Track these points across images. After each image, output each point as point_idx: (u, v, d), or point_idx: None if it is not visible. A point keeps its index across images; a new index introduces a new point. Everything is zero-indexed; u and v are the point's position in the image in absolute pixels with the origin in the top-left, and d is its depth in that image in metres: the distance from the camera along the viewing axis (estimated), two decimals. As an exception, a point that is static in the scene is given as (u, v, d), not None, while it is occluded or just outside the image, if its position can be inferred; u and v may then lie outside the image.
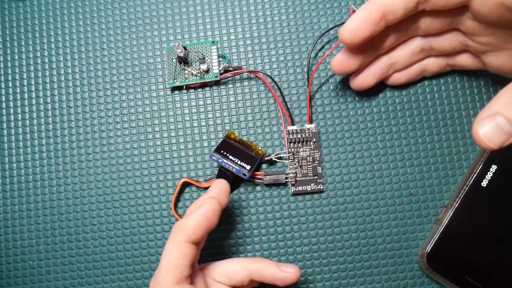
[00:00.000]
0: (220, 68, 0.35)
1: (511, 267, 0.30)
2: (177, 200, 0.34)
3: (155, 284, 0.25)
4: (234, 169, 0.31)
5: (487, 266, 0.30)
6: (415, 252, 0.32)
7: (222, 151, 0.32)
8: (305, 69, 0.35)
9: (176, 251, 0.25)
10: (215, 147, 0.33)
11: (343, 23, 0.35)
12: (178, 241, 0.25)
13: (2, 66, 0.37)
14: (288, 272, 0.28)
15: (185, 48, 0.34)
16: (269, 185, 0.34)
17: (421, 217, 0.33)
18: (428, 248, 0.31)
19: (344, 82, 0.35)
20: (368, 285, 0.32)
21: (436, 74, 0.34)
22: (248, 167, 0.31)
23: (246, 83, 0.35)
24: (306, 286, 0.32)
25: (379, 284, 0.32)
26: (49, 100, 0.36)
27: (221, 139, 0.33)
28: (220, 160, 0.31)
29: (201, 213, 0.26)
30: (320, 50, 0.35)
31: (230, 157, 0.32)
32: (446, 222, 0.31)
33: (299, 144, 0.34)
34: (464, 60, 0.32)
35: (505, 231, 0.30)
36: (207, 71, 0.35)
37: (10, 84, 0.36)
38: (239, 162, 0.31)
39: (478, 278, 0.30)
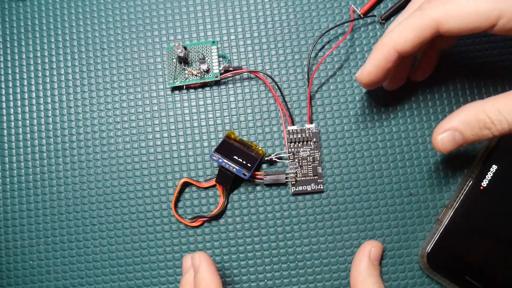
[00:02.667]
0: (220, 68, 0.35)
1: (511, 267, 0.30)
2: (177, 200, 0.34)
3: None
4: (234, 169, 0.31)
5: (487, 266, 0.30)
6: (415, 252, 0.32)
7: (222, 151, 0.32)
8: (305, 69, 0.35)
9: None
10: (215, 147, 0.33)
11: (343, 23, 0.35)
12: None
13: (2, 66, 0.37)
14: None
15: (185, 48, 0.34)
16: (269, 185, 0.34)
17: (421, 217, 0.33)
18: (428, 248, 0.31)
19: (344, 82, 0.35)
20: (368, 285, 0.32)
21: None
22: (248, 167, 0.31)
23: (246, 83, 0.35)
24: (306, 286, 0.32)
25: (379, 284, 0.32)
26: (49, 100, 0.36)
27: (221, 139, 0.33)
28: (220, 160, 0.31)
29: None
30: (320, 50, 0.35)
31: (230, 157, 0.32)
32: (446, 222, 0.31)
33: (299, 144, 0.34)
34: None
35: (505, 231, 0.30)
36: (207, 71, 0.35)
37: (10, 84, 0.36)
38: (239, 162, 0.31)
39: (478, 278, 0.30)
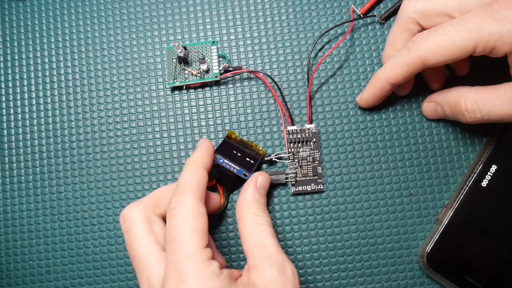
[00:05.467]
0: (220, 68, 0.35)
1: (511, 267, 0.30)
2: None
3: (177, 197, 0.26)
4: (235, 170, 0.31)
5: (487, 266, 0.30)
6: (415, 252, 0.32)
7: (222, 151, 0.32)
8: (305, 69, 0.35)
9: (197, 173, 0.28)
10: (216, 147, 0.33)
11: (343, 23, 0.35)
12: (198, 166, 0.28)
13: (2, 66, 0.37)
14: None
15: (185, 48, 0.34)
16: (270, 185, 0.34)
17: (421, 217, 0.33)
18: (428, 248, 0.31)
19: (344, 82, 0.35)
20: (368, 285, 0.32)
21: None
22: (249, 167, 0.31)
23: (246, 83, 0.35)
24: (306, 286, 0.32)
25: (379, 284, 0.32)
26: (49, 100, 0.36)
27: (222, 139, 0.33)
28: (221, 161, 0.31)
29: (205, 144, 0.30)
30: (320, 50, 0.35)
31: (231, 157, 0.32)
32: (446, 222, 0.31)
33: (299, 144, 0.34)
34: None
35: (505, 231, 0.30)
36: (207, 71, 0.35)
37: (10, 84, 0.36)
38: (240, 163, 0.31)
39: (478, 278, 0.30)
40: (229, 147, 0.32)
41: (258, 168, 0.34)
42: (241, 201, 0.29)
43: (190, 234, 0.24)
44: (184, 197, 0.26)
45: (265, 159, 0.33)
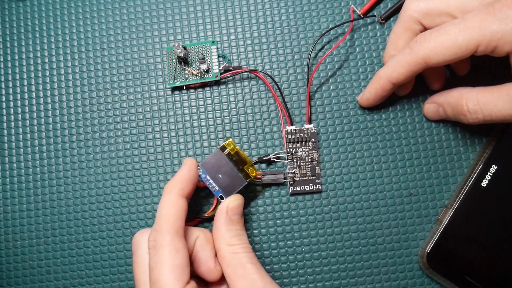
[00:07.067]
0: (220, 68, 0.35)
1: (511, 267, 0.30)
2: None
3: (154, 234, 0.26)
4: (214, 189, 0.31)
5: (487, 266, 0.30)
6: (415, 252, 0.32)
7: (210, 165, 0.31)
8: (305, 69, 0.35)
9: (173, 204, 0.28)
10: (208, 156, 0.32)
11: (343, 23, 0.35)
12: (173, 196, 0.28)
13: (2, 66, 0.37)
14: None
15: (185, 48, 0.34)
16: (268, 185, 0.34)
17: (421, 217, 0.33)
18: (428, 248, 0.31)
19: (344, 82, 0.35)
20: (368, 285, 0.32)
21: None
22: (228, 191, 0.31)
23: (246, 83, 0.35)
24: (306, 286, 0.32)
25: (379, 284, 0.32)
26: (49, 100, 0.36)
27: (222, 140, 0.32)
28: (203, 176, 0.31)
29: (187, 165, 0.30)
30: (320, 50, 0.35)
31: (216, 174, 0.31)
32: (446, 222, 0.31)
33: (297, 144, 0.34)
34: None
35: (505, 231, 0.30)
36: (207, 71, 0.35)
37: (10, 84, 0.36)
38: (222, 183, 0.31)
39: (478, 278, 0.30)
40: (219, 160, 0.31)
41: (258, 168, 0.34)
42: (214, 232, 0.29)
43: (168, 275, 0.25)
44: (161, 234, 0.26)
45: (264, 159, 0.33)
